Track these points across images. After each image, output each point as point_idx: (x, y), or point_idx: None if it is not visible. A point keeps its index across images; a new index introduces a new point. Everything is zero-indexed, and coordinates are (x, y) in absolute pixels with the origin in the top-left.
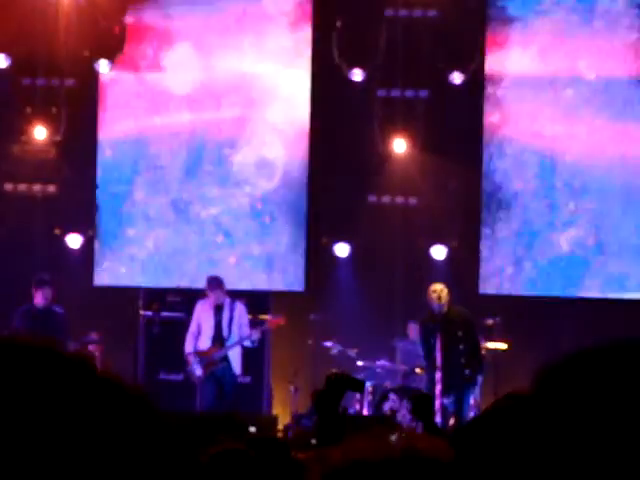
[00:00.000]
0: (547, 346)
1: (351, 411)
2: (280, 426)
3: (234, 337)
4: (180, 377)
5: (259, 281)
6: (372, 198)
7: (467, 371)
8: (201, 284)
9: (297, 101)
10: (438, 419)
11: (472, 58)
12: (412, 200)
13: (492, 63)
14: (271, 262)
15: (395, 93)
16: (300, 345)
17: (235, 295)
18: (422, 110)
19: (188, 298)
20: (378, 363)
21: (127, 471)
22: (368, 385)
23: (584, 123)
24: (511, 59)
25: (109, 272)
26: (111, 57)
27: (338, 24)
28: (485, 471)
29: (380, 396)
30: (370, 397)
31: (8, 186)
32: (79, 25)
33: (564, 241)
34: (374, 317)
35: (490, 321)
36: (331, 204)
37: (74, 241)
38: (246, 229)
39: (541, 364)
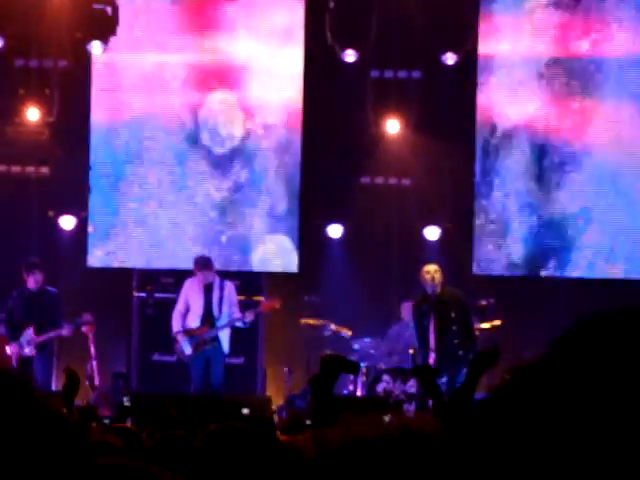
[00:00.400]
0: (541, 326)
1: (345, 392)
2: (274, 407)
3: (224, 317)
4: (174, 359)
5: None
6: (365, 179)
7: (460, 352)
8: (193, 265)
9: (290, 82)
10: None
11: (465, 38)
12: (405, 181)
13: (485, 43)
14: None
15: (388, 74)
16: (293, 326)
17: (228, 276)
18: (415, 91)
19: (182, 279)
20: (371, 344)
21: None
22: (362, 366)
23: (576, 103)
24: (504, 39)
25: (102, 254)
26: (104, 38)
27: (331, 5)
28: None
29: (374, 377)
30: (364, 378)
31: (1, 167)
32: (72, 6)
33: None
34: (367, 298)
35: (484, 302)
36: (324, 185)
37: (67, 222)
38: (237, 209)
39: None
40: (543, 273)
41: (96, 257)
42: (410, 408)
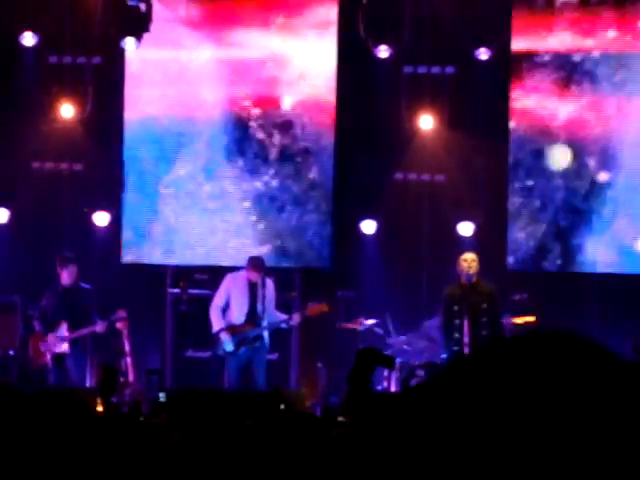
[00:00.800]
0: (575, 324)
1: (379, 388)
2: (308, 403)
3: (269, 316)
4: (207, 354)
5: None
6: (399, 175)
7: None
8: (227, 262)
9: (323, 78)
10: None
11: (499, 34)
12: (439, 177)
13: (519, 38)
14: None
15: (421, 70)
16: (327, 322)
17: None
18: (449, 86)
19: (215, 276)
20: (405, 340)
21: None
22: (396, 362)
23: (611, 100)
24: (538, 35)
25: (137, 250)
26: (137, 35)
27: (364, 0)
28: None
29: (407, 373)
30: (398, 374)
31: (36, 164)
32: (105, 3)
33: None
34: (400, 294)
35: (517, 296)
36: (358, 181)
37: (101, 219)
38: (272, 206)
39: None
40: (577, 269)
41: (130, 253)
42: None
